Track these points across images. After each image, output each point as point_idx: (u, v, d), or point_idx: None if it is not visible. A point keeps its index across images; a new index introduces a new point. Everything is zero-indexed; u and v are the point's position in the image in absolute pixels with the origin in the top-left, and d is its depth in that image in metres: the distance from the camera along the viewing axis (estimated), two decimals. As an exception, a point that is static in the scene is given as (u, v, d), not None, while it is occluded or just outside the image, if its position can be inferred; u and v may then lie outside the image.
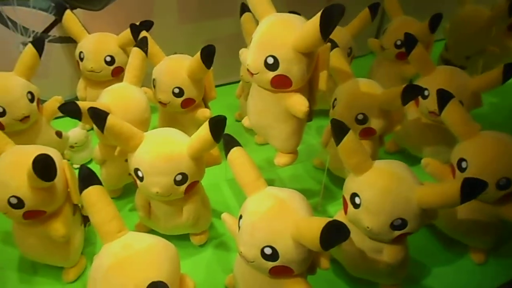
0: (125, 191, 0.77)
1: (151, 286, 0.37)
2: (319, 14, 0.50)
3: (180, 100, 0.74)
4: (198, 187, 0.64)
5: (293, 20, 0.56)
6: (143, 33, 0.75)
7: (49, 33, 0.85)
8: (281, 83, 0.56)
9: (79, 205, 0.63)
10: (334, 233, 0.42)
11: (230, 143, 0.53)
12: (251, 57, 0.56)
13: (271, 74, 0.55)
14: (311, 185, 0.82)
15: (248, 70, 0.57)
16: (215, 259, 0.68)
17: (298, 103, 0.56)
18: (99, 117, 0.54)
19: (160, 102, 0.76)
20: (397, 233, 0.53)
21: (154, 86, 0.76)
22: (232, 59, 0.70)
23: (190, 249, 0.69)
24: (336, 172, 0.78)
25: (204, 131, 0.54)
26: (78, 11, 0.85)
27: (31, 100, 0.71)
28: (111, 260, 0.43)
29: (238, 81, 0.92)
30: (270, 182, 0.55)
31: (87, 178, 0.47)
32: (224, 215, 0.57)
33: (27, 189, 0.53)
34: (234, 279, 0.58)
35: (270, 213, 0.47)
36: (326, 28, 0.49)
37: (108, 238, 0.46)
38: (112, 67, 0.83)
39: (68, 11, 0.82)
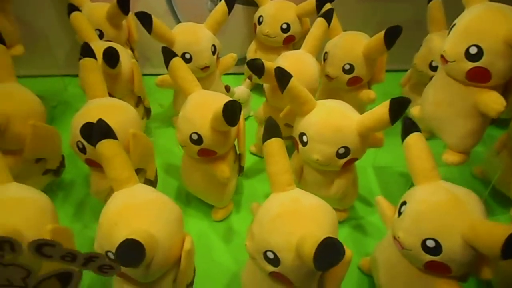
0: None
1: (325, 241, 0.39)
2: None
3: (348, 77, 0.74)
4: (353, 165, 0.64)
5: (507, 12, 0.51)
6: (328, 5, 0.76)
7: (236, -7, 0.91)
8: (478, 77, 0.52)
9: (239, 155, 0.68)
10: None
11: (410, 127, 0.51)
12: (450, 43, 0.53)
13: (470, 65, 0.51)
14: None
15: (442, 57, 0.54)
16: (350, 240, 0.69)
17: (494, 101, 0.51)
18: (283, 77, 0.56)
19: (327, 76, 0.77)
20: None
21: (324, 60, 0.77)
22: (401, 47, 0.68)
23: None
24: (501, 187, 0.71)
25: (382, 110, 0.53)
26: (265, -25, 0.89)
27: (213, 53, 0.78)
28: (280, 209, 0.46)
29: (403, 70, 0.88)
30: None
31: (272, 129, 0.50)
32: (379, 198, 0.57)
33: (208, 129, 0.58)
34: (373, 262, 0.57)
35: (443, 207, 0.45)
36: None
37: (278, 189, 0.49)
38: (286, 35, 0.86)
39: (257, -25, 0.87)
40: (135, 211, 0.46)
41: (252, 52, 0.92)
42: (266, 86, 0.72)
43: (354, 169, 0.66)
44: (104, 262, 0.35)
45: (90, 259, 0.34)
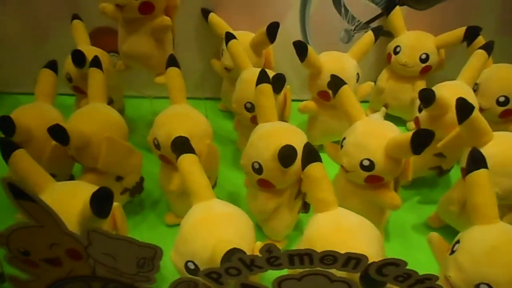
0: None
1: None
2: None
3: (501, 109, 0.73)
4: None
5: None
6: (481, 38, 0.76)
7: (370, 25, 0.94)
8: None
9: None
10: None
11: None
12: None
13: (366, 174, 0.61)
14: None
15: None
16: None
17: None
18: (466, 108, 0.57)
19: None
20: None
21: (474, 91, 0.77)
22: None
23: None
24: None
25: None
26: (403, 8, 0.91)
27: (357, 81, 0.80)
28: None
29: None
30: None
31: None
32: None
33: (381, 155, 0.59)
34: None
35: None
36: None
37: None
38: (423, 65, 0.87)
39: (397, 7, 0.89)
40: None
41: (383, 81, 0.93)
42: (422, 115, 0.72)
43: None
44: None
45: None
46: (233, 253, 0.39)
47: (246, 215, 0.52)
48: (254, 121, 0.75)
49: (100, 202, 0.42)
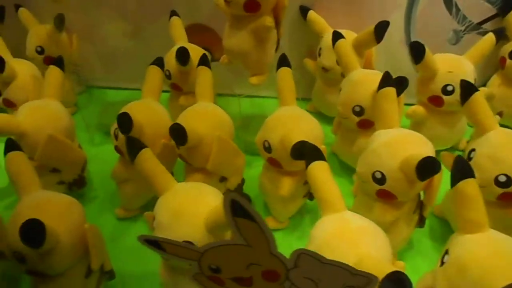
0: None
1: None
2: None
3: None
4: None
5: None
6: None
7: (482, 26, 0.87)
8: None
9: None
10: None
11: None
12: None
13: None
14: None
15: None
16: None
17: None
18: None
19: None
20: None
21: None
22: None
23: None
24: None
25: None
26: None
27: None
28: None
29: None
30: None
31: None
32: None
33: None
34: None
35: None
36: None
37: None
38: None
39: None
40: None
41: (495, 86, 0.86)
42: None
43: None
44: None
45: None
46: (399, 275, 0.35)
47: (381, 229, 0.48)
48: (362, 126, 0.71)
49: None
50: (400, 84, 0.64)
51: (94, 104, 1.04)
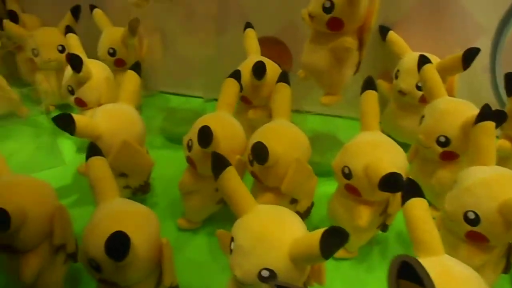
0: None
1: None
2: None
3: None
4: None
5: None
6: None
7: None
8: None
9: None
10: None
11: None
12: None
13: None
14: None
15: None
16: None
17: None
18: None
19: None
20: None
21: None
22: None
23: None
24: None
25: None
26: None
27: None
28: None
29: None
30: None
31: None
32: None
33: None
34: None
35: None
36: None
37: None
38: None
39: None
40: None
41: None
42: None
43: None
44: None
45: None
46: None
47: (481, 278, 0.43)
48: (445, 158, 0.67)
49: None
50: (498, 117, 0.59)
51: (157, 108, 1.04)
